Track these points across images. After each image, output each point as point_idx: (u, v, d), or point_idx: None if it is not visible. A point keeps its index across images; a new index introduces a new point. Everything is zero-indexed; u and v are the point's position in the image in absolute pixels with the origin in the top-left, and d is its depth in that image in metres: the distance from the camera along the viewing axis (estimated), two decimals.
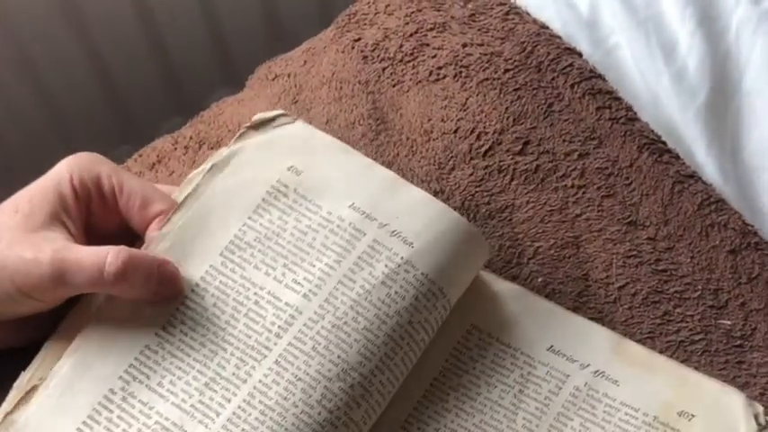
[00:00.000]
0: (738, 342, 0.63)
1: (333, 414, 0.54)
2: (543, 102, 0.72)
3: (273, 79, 0.81)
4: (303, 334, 0.55)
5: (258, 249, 0.58)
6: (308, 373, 0.54)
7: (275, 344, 0.55)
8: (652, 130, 0.71)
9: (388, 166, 0.71)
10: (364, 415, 0.55)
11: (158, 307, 0.57)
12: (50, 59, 1.11)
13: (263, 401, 0.54)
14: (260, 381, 0.54)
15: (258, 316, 0.56)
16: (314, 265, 0.57)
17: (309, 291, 0.57)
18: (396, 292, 0.57)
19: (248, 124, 0.63)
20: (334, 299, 0.56)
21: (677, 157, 0.70)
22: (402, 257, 0.57)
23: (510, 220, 0.68)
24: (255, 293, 0.57)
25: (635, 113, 0.72)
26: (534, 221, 0.68)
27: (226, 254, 0.58)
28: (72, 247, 0.55)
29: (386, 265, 0.57)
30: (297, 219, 0.59)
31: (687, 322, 0.63)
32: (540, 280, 0.65)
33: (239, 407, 0.54)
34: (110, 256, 0.54)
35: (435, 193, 0.69)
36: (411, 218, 0.59)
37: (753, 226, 0.67)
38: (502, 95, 0.73)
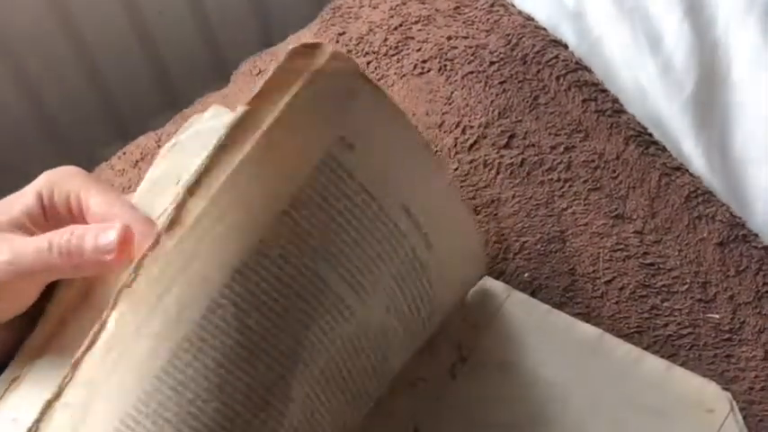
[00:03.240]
0: (727, 336, 0.62)
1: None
2: (529, 95, 0.72)
3: (258, 74, 0.81)
4: (344, 348, 0.50)
5: (306, 231, 0.48)
6: (332, 402, 0.50)
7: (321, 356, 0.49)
8: (638, 123, 0.70)
9: None
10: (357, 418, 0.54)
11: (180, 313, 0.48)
12: (39, 56, 1.10)
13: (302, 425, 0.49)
14: (304, 401, 0.49)
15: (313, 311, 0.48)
16: (366, 265, 0.49)
17: (363, 291, 0.49)
18: (408, 306, 0.52)
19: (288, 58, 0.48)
20: (373, 313, 0.50)
21: (664, 149, 0.69)
22: (424, 265, 0.51)
23: (496, 214, 0.67)
24: (311, 281, 0.48)
25: (621, 105, 0.71)
26: (520, 216, 0.67)
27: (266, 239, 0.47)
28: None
29: (414, 279, 0.51)
30: (348, 208, 0.48)
31: (675, 316, 0.63)
32: (526, 275, 0.65)
33: None
34: (56, 235, 0.51)
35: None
36: (438, 220, 0.52)
37: (741, 218, 0.66)
38: (487, 89, 0.72)
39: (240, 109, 0.47)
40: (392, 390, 0.58)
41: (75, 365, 0.48)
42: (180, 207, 0.48)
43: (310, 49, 0.48)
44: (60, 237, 0.51)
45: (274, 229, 0.47)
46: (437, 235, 0.52)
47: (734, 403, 0.58)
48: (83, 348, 0.48)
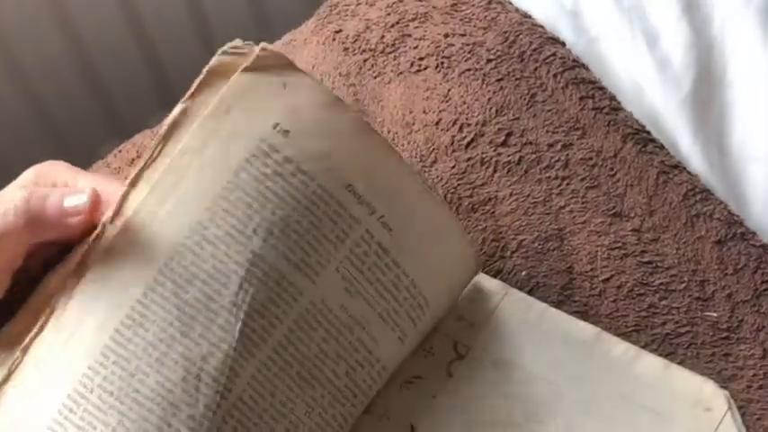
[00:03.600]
0: (725, 334, 0.62)
1: None
2: (526, 92, 0.71)
3: None
4: (297, 325, 0.52)
5: (243, 212, 0.51)
6: (289, 375, 0.52)
7: (270, 335, 0.52)
8: (636, 120, 0.70)
9: None
10: (342, 412, 0.55)
11: (121, 285, 0.51)
12: (36, 55, 1.10)
13: (253, 399, 0.51)
14: (253, 377, 0.51)
15: (255, 290, 0.51)
16: (311, 244, 0.52)
17: (310, 270, 0.52)
18: (376, 289, 0.54)
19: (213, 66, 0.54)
20: (328, 291, 0.53)
21: (662, 147, 0.69)
22: (385, 249, 0.54)
23: (493, 212, 0.67)
24: (249, 260, 0.51)
25: (618, 103, 0.71)
26: (518, 214, 0.67)
27: (203, 221, 0.51)
28: None
29: (373, 260, 0.54)
30: (285, 189, 0.52)
31: (673, 315, 0.63)
32: (523, 274, 0.65)
33: (233, 405, 0.51)
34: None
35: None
36: (396, 204, 0.55)
37: (739, 216, 0.66)
38: (484, 86, 0.72)
39: (178, 106, 0.53)
40: (388, 388, 0.58)
41: (25, 350, 0.51)
42: (123, 198, 0.52)
43: (240, 48, 0.54)
44: (22, 200, 0.51)
45: (212, 211, 0.51)
46: (399, 220, 0.54)
47: (732, 401, 0.58)
48: (32, 333, 0.51)
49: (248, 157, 0.52)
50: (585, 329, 0.61)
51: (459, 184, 0.68)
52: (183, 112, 0.53)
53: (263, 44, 0.54)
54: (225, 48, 0.54)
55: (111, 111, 1.21)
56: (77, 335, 0.50)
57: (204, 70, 0.54)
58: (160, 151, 0.53)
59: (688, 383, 0.59)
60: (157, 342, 0.50)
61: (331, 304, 0.52)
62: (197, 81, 0.54)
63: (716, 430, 0.57)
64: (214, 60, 0.54)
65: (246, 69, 0.53)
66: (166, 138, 0.53)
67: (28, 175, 0.55)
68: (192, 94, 0.53)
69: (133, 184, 0.52)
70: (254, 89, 0.53)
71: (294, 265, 0.52)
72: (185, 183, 0.52)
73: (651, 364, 0.60)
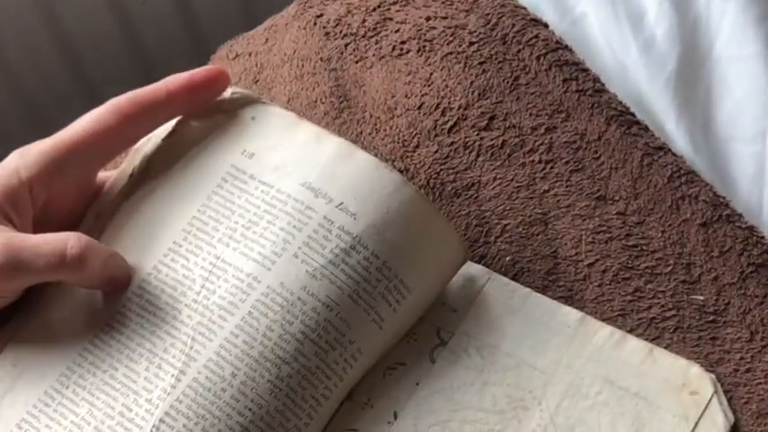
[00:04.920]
0: (711, 318, 0.61)
1: (280, 397, 0.54)
2: (509, 75, 0.71)
3: (234, 58, 0.80)
4: (256, 309, 0.55)
5: (212, 227, 0.58)
6: (251, 356, 0.54)
7: (227, 321, 0.55)
8: (620, 102, 0.69)
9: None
10: (314, 394, 0.55)
11: (107, 299, 0.57)
12: (20, 45, 1.10)
13: (210, 380, 0.54)
14: (209, 359, 0.54)
15: (215, 287, 0.56)
16: (267, 239, 0.57)
17: (265, 260, 0.56)
18: (343, 270, 0.56)
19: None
20: (287, 276, 0.56)
21: (646, 128, 0.68)
22: (349, 233, 0.57)
23: (476, 197, 0.67)
24: (212, 263, 0.57)
25: (602, 85, 0.70)
26: (501, 198, 0.66)
27: (179, 241, 0.58)
28: (22, 234, 0.54)
29: (335, 243, 0.57)
30: (248, 200, 0.58)
31: (659, 298, 0.62)
32: (508, 259, 0.64)
33: (188, 386, 0.54)
34: (71, 239, 0.54)
35: (400, 172, 0.68)
36: (358, 190, 0.58)
37: (724, 198, 0.65)
38: (467, 69, 0.71)
39: (158, 143, 0.62)
40: (371, 375, 0.58)
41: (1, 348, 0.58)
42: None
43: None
44: (73, 247, 0.54)
45: (186, 231, 0.58)
46: (362, 205, 0.57)
47: (718, 385, 0.58)
48: (11, 332, 0.58)
49: (219, 182, 0.59)
50: (569, 314, 0.60)
51: (441, 169, 0.68)
52: (161, 148, 0.62)
53: (233, 88, 0.62)
54: None
55: (94, 97, 1.20)
56: (55, 339, 0.57)
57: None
58: (136, 181, 0.61)
59: (673, 367, 0.58)
60: (129, 342, 0.56)
61: (292, 287, 0.55)
62: (174, 121, 0.62)
63: (702, 414, 0.57)
64: None
65: (220, 111, 0.62)
66: (143, 170, 0.61)
67: (13, 159, 0.57)
68: (171, 134, 0.62)
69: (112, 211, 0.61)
70: (227, 126, 0.61)
71: (252, 259, 0.56)
72: (164, 208, 0.59)
73: (636, 347, 0.59)
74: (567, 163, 0.67)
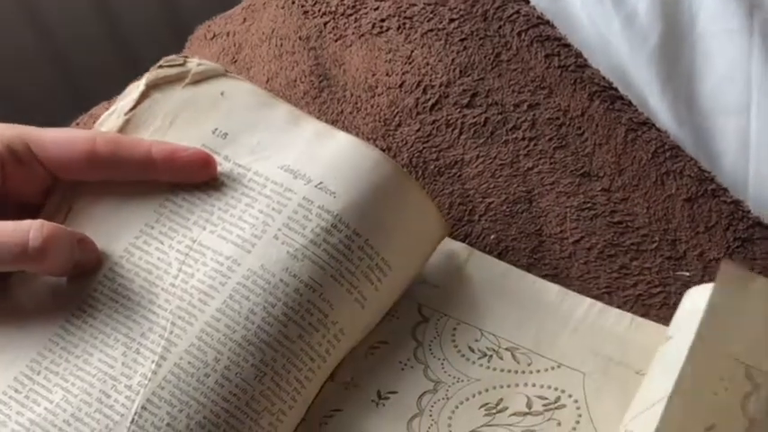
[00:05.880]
0: None
1: (263, 380, 0.54)
2: (490, 51, 0.70)
3: (212, 39, 0.79)
4: (237, 292, 0.54)
5: (186, 209, 0.57)
6: (233, 340, 0.54)
7: (207, 305, 0.54)
8: (603, 77, 0.68)
9: (332, 124, 0.69)
10: (298, 377, 0.55)
11: (77, 283, 0.56)
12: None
13: (193, 365, 0.53)
14: (191, 344, 0.53)
15: (193, 270, 0.55)
16: (246, 222, 0.56)
17: (245, 243, 0.56)
18: (325, 250, 0.55)
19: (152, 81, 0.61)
20: (267, 258, 0.55)
21: (630, 103, 0.67)
22: (329, 211, 0.56)
23: (459, 176, 0.66)
24: (188, 246, 0.56)
25: (585, 60, 0.69)
26: (485, 176, 0.66)
27: (151, 223, 0.57)
28: None
29: (316, 223, 0.56)
30: (224, 183, 0.57)
31: (645, 275, 0.62)
32: (492, 237, 0.64)
33: (170, 371, 0.53)
34: (32, 230, 0.52)
35: (382, 151, 0.67)
36: (337, 169, 0.57)
37: (709, 172, 0.65)
38: (447, 47, 0.70)
39: (119, 118, 0.60)
40: (354, 355, 0.58)
41: None
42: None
43: (174, 61, 0.62)
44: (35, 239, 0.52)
45: (159, 213, 0.57)
46: (342, 183, 0.57)
47: None
48: None
49: None
50: (550, 289, 0.60)
51: (424, 148, 0.67)
52: (126, 123, 0.60)
53: (198, 60, 0.61)
54: (161, 62, 0.62)
55: (70, 81, 1.19)
56: (27, 326, 0.55)
57: (143, 84, 0.60)
58: None
59: (656, 334, 0.58)
60: (103, 326, 0.55)
61: (273, 268, 0.55)
62: (136, 94, 0.60)
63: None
64: (151, 74, 0.61)
65: (186, 85, 0.61)
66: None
67: None
68: (133, 107, 0.60)
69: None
70: (194, 101, 0.60)
71: (231, 242, 0.56)
72: (137, 188, 0.58)
73: (618, 317, 0.59)
74: (550, 140, 0.67)
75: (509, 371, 0.57)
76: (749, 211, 0.63)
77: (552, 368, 0.57)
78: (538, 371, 0.57)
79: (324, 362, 0.56)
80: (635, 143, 0.66)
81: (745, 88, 0.68)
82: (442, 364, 0.58)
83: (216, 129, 0.59)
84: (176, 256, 0.56)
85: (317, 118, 0.69)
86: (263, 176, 0.57)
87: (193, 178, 0.57)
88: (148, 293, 0.55)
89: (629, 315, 0.59)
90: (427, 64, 0.70)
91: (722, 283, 0.52)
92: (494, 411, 0.56)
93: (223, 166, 0.58)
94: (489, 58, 0.70)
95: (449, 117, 0.68)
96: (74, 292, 0.56)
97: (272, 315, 0.54)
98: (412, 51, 0.71)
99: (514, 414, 0.56)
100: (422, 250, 0.60)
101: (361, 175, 0.57)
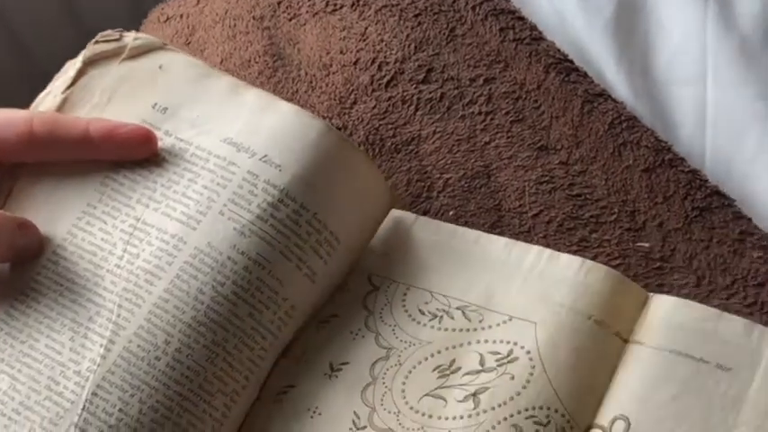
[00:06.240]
0: (658, 264, 0.61)
1: (214, 360, 0.53)
2: (445, 26, 0.69)
3: (166, 21, 0.78)
4: (184, 272, 0.53)
5: (128, 187, 0.56)
6: (183, 321, 0.53)
7: (154, 285, 0.53)
8: (558, 50, 0.68)
9: None
10: (251, 356, 0.54)
11: (19, 268, 0.55)
12: None
13: (143, 348, 0.52)
14: (140, 326, 0.52)
15: (138, 250, 0.54)
16: (190, 198, 0.55)
17: (190, 219, 0.54)
18: (272, 226, 0.55)
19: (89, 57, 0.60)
20: (214, 235, 0.54)
21: (585, 75, 0.67)
22: (275, 185, 0.55)
23: (417, 152, 0.65)
24: (132, 226, 0.55)
25: (540, 33, 0.69)
26: (442, 152, 0.65)
27: (93, 203, 0.56)
28: None
29: (262, 198, 0.55)
30: (165, 158, 0.56)
31: (604, 247, 0.61)
32: (451, 213, 0.63)
33: (119, 356, 0.52)
34: None
35: (338, 129, 0.66)
36: (281, 141, 0.56)
37: (666, 142, 0.65)
38: (402, 22, 0.70)
39: (56, 96, 0.59)
40: (305, 330, 0.57)
41: None
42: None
43: (110, 36, 0.60)
44: None
45: (100, 192, 0.56)
46: (287, 155, 0.56)
47: (649, 295, 0.57)
48: None
49: None
50: (497, 242, 0.59)
51: (380, 125, 0.66)
52: (64, 102, 0.58)
53: (134, 33, 0.60)
54: (97, 37, 0.60)
55: (28, 65, 1.18)
56: None
57: (79, 61, 0.59)
58: None
59: (607, 280, 0.57)
60: (48, 311, 0.53)
61: (220, 246, 0.54)
62: (73, 72, 0.59)
63: (637, 324, 0.56)
64: (88, 51, 0.60)
65: (124, 60, 0.59)
66: None
67: None
68: (70, 85, 0.59)
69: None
70: (132, 76, 0.59)
71: (175, 219, 0.54)
72: (77, 168, 0.56)
73: (567, 262, 0.58)
74: (507, 114, 0.66)
75: (461, 330, 0.57)
76: (707, 180, 0.63)
77: (504, 322, 0.56)
78: (489, 326, 0.57)
79: (276, 339, 0.55)
80: (591, 115, 0.65)
81: (701, 58, 0.68)
82: (393, 330, 0.57)
83: (155, 103, 0.58)
84: (120, 236, 0.54)
85: None
86: (206, 150, 0.56)
87: (134, 155, 0.56)
88: (94, 276, 0.54)
89: (578, 259, 0.58)
90: (382, 40, 0.69)
91: None
92: (447, 373, 0.55)
93: (164, 141, 0.57)
94: (444, 33, 0.69)
95: (404, 93, 0.67)
96: (16, 278, 0.54)
97: (221, 294, 0.53)
98: (366, 28, 0.70)
99: (468, 373, 0.55)
100: (370, 221, 0.60)
101: (307, 147, 0.56)
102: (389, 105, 0.67)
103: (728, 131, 0.66)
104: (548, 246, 0.61)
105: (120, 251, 0.54)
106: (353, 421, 0.55)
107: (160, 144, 0.56)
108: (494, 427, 0.53)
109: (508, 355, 0.55)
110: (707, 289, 0.60)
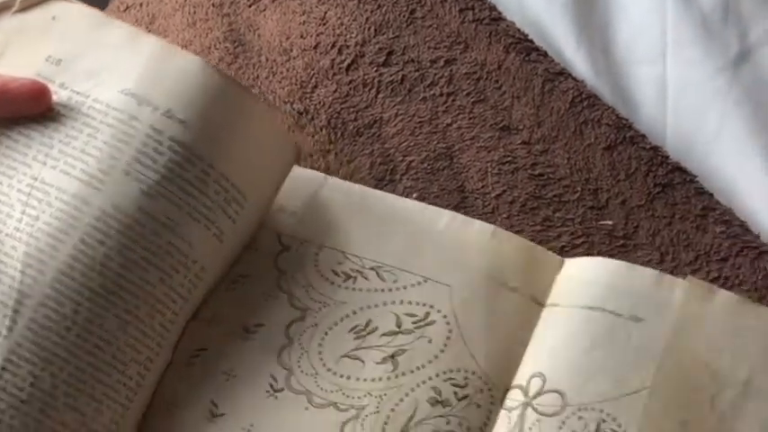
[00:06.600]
0: (621, 242, 0.61)
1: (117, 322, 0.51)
2: (405, 9, 0.69)
3: (125, 10, 0.77)
4: (89, 236, 0.51)
5: (23, 143, 0.53)
6: (91, 289, 0.51)
7: (58, 250, 0.51)
8: (518, 29, 0.68)
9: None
10: (162, 322, 0.53)
11: None
12: None
13: (50, 318, 0.50)
14: (46, 295, 0.50)
15: (38, 212, 0.52)
16: (90, 155, 0.52)
17: (92, 179, 0.52)
18: (179, 186, 0.53)
19: None
20: (119, 196, 0.52)
21: (545, 54, 0.67)
22: (182, 143, 0.53)
23: (379, 135, 0.65)
24: (30, 185, 0.52)
25: (499, 13, 0.69)
26: (404, 135, 0.65)
27: None
28: None
29: (168, 157, 0.53)
30: (61, 112, 0.53)
31: (568, 226, 0.62)
32: (414, 196, 0.63)
33: (26, 327, 0.50)
34: None
35: (299, 114, 0.66)
36: (184, 94, 0.54)
37: (627, 120, 0.65)
38: (361, 5, 0.70)
39: None
40: (216, 292, 0.57)
41: None
42: None
43: None
44: None
45: None
46: (191, 110, 0.53)
47: (565, 261, 0.58)
48: None
49: None
50: (409, 205, 0.60)
51: (342, 108, 0.66)
52: None
53: None
54: None
55: None
56: None
57: None
58: None
59: (523, 248, 0.58)
60: None
61: (127, 209, 0.52)
62: None
63: (548, 292, 0.57)
64: None
65: (15, 12, 0.56)
66: None
67: None
68: None
69: None
70: (24, 29, 0.56)
71: (75, 177, 0.52)
72: None
73: (480, 229, 0.58)
74: (468, 95, 0.66)
75: (375, 290, 0.57)
76: (668, 157, 0.63)
77: (419, 283, 0.57)
78: (404, 287, 0.57)
79: (186, 302, 0.54)
80: (552, 94, 0.65)
81: (661, 35, 0.68)
82: (307, 290, 0.57)
83: (49, 56, 0.55)
84: (18, 197, 0.52)
85: None
86: (104, 103, 0.53)
87: (27, 110, 0.53)
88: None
89: (491, 226, 0.58)
90: (341, 24, 0.69)
91: (689, 295, 0.54)
92: (363, 333, 0.56)
93: (59, 94, 0.54)
94: (404, 16, 0.69)
95: (365, 76, 0.67)
96: None
97: (130, 260, 0.51)
98: (326, 12, 0.70)
99: (385, 334, 0.55)
100: (275, 177, 0.58)
101: (210, 102, 0.54)
102: (351, 89, 0.67)
103: (689, 108, 0.66)
104: (511, 227, 0.61)
105: (18, 213, 0.51)
106: (271, 384, 0.55)
107: (55, 98, 0.53)
108: (413, 390, 0.54)
109: (425, 318, 0.56)
110: (670, 265, 0.60)
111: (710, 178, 0.63)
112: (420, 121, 0.65)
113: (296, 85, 0.68)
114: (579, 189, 0.63)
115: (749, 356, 0.53)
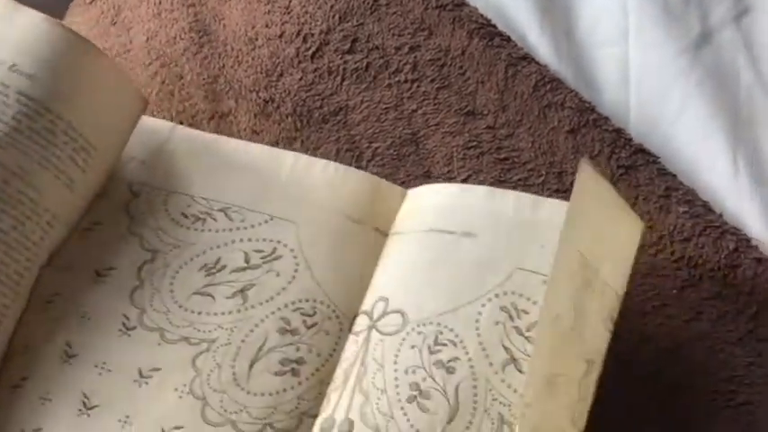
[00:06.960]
0: None
1: None
2: None
3: (91, 3, 0.77)
4: None
5: None
6: None
7: None
8: (481, 15, 0.68)
9: (214, 78, 0.68)
10: (17, 269, 0.54)
11: None
12: None
13: None
14: None
15: None
16: None
17: None
18: (29, 137, 0.54)
19: None
20: None
21: (508, 39, 0.67)
22: (29, 96, 0.54)
23: (345, 122, 0.66)
24: None
25: None
26: (370, 121, 0.65)
27: None
28: None
29: (16, 109, 0.54)
30: None
31: None
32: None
33: None
34: None
35: (265, 102, 0.66)
36: (30, 48, 0.55)
37: (590, 103, 0.65)
38: None
39: None
40: (68, 240, 0.58)
41: None
42: None
43: None
44: None
45: None
46: (38, 65, 0.54)
47: (408, 192, 0.59)
48: None
49: None
50: (255, 150, 0.61)
51: (307, 96, 0.66)
52: None
53: None
54: None
55: None
56: None
57: None
58: None
59: (367, 182, 0.60)
60: None
61: None
62: None
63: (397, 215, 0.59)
64: None
65: None
66: None
67: None
68: None
69: None
70: None
71: None
72: None
73: (323, 167, 0.60)
74: (432, 81, 0.66)
75: (224, 230, 0.58)
76: (631, 139, 0.64)
77: (266, 221, 0.58)
78: (252, 226, 0.58)
79: (39, 249, 0.55)
80: (515, 78, 0.66)
81: (623, 18, 0.68)
82: (157, 233, 0.58)
83: None
84: None
85: (199, 74, 0.68)
86: None
87: None
88: None
89: (334, 164, 0.60)
90: (306, 12, 0.69)
91: (519, 204, 0.56)
92: (213, 271, 0.57)
93: None
94: (368, 3, 0.69)
95: (330, 64, 0.67)
96: None
97: None
98: (290, 1, 0.70)
99: (234, 270, 0.57)
100: (124, 126, 0.59)
101: (56, 56, 0.55)
102: (316, 77, 0.67)
103: (652, 89, 0.66)
104: None
105: None
106: (123, 323, 0.56)
107: None
108: (262, 321, 0.55)
109: (272, 253, 0.57)
110: None
111: (673, 159, 0.64)
112: (385, 108, 0.66)
113: (261, 73, 0.68)
114: (544, 173, 0.63)
115: None
